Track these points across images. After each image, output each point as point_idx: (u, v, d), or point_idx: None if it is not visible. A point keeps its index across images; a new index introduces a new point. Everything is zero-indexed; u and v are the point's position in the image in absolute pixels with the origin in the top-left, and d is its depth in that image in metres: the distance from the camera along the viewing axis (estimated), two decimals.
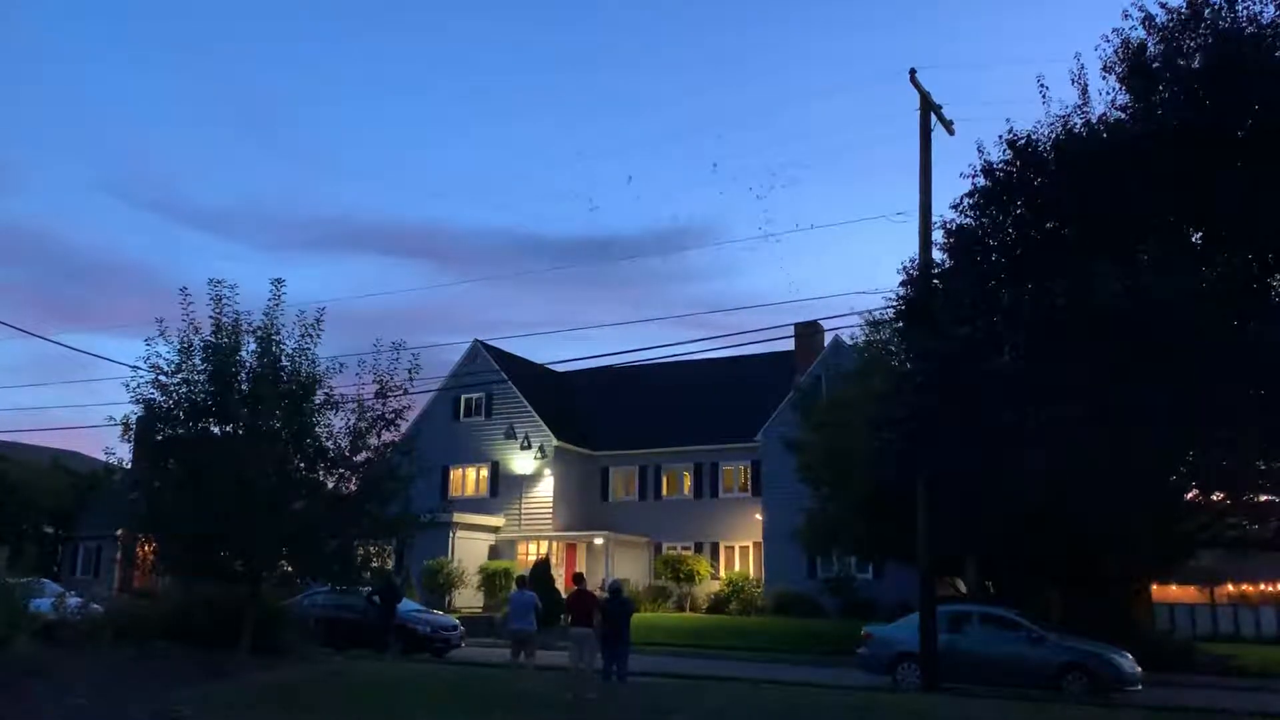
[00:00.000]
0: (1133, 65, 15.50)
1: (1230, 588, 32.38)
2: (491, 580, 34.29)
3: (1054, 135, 15.88)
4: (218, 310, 18.03)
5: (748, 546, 37.15)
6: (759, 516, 35.97)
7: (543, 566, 31.02)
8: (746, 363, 38.44)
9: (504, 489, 38.58)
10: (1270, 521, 20.62)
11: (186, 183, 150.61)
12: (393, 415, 18.96)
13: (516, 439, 38.34)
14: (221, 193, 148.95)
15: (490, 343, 40.50)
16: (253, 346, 18.15)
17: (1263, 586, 32.35)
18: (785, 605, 32.53)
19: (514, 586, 18.60)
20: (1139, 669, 17.54)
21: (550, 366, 43.17)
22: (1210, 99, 14.14)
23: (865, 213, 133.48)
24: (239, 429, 17.72)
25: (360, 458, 18.67)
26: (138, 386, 17.82)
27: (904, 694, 16.84)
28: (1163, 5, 15.22)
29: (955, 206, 17.05)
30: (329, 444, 18.52)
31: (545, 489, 37.96)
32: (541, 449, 38.05)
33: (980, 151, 16.75)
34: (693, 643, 26.57)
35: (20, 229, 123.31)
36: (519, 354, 42.43)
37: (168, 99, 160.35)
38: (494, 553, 37.25)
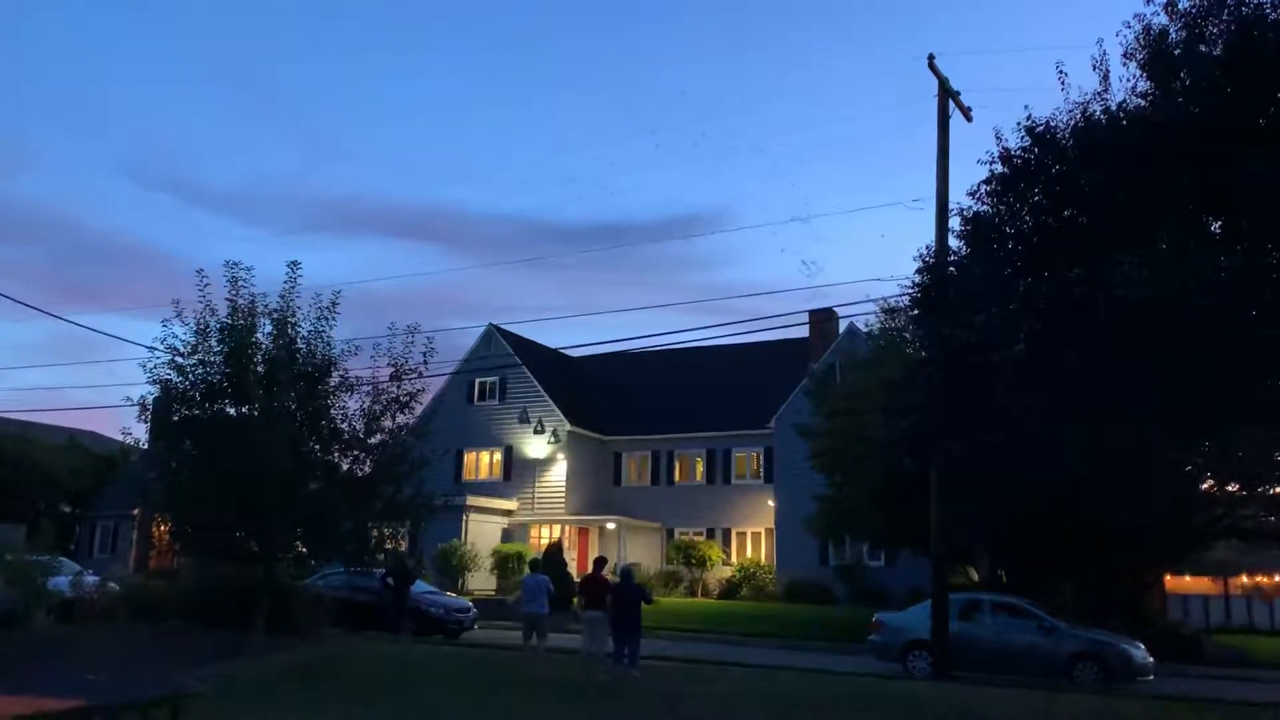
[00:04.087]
0: (1154, 52, 15.33)
1: (1244, 579, 32.26)
2: (504, 563, 34.45)
3: (1073, 122, 15.73)
4: (234, 292, 18.16)
5: (760, 533, 37.20)
6: (771, 503, 36.00)
7: (555, 550, 31.14)
8: (760, 349, 38.41)
9: (517, 473, 38.72)
10: None
11: (201, 165, 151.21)
12: (407, 398, 19.07)
13: (530, 423, 38.47)
14: (236, 175, 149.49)
15: (504, 327, 40.63)
16: (268, 329, 18.27)
17: (1276, 578, 32.21)
18: (797, 592, 32.61)
19: (527, 570, 18.67)
20: (1151, 659, 17.51)
21: (564, 351, 43.27)
22: (1232, 86, 13.99)
23: (882, 199, 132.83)
24: (255, 410, 17.85)
25: (374, 440, 18.78)
26: (154, 367, 18.00)
27: (914, 682, 16.87)
28: None
29: (973, 194, 16.93)
30: (344, 426, 18.65)
31: (558, 473, 38.09)
32: (555, 433, 38.16)
33: (999, 138, 16.63)
34: (704, 628, 26.65)
35: (35, 209, 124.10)
36: (533, 338, 42.54)
37: (181, 80, 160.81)
38: (507, 536, 37.41)
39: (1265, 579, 32.23)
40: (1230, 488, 19.95)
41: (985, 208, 16.85)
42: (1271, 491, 18.88)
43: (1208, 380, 12.88)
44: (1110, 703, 14.32)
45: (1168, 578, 26.91)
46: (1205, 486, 20.40)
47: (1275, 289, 13.63)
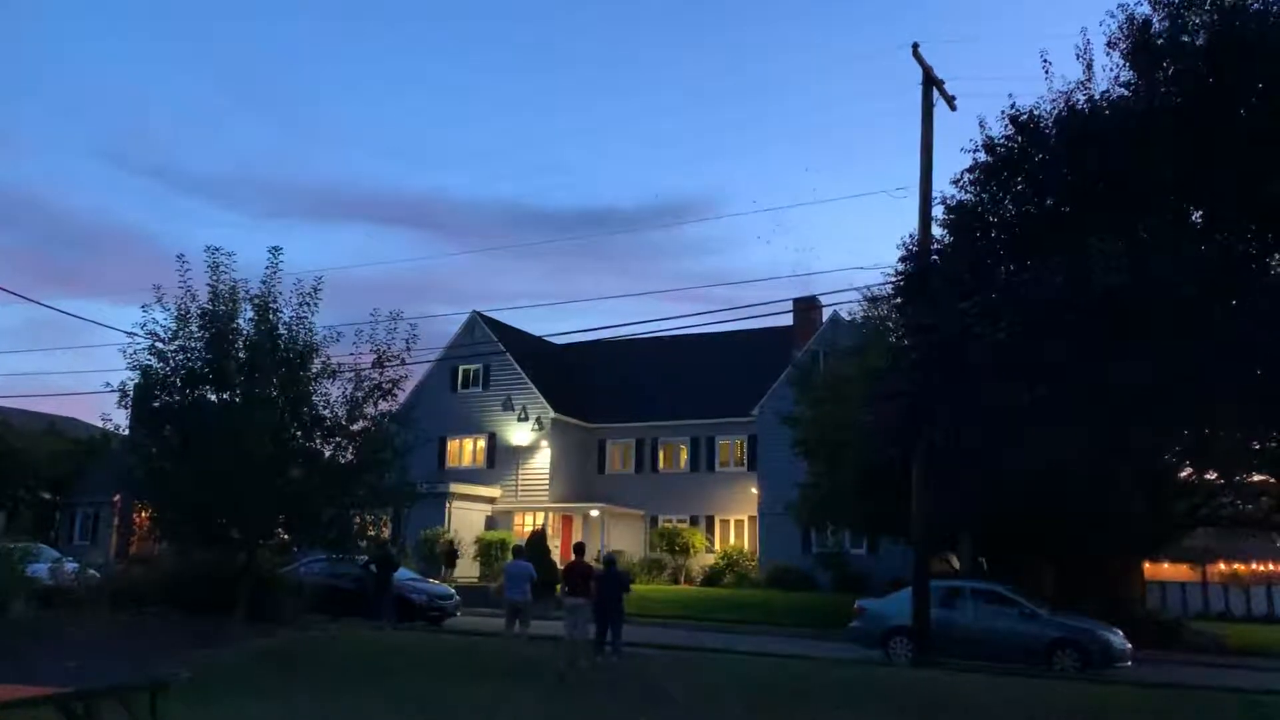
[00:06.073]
0: (1137, 42, 15.39)
1: (1222, 567, 32.61)
2: (488, 550, 34.43)
3: (1056, 111, 15.78)
4: (215, 277, 18.02)
5: (743, 520, 37.31)
6: (754, 491, 36.11)
7: (538, 537, 31.15)
8: (744, 338, 38.46)
9: (501, 460, 38.68)
10: (1262, 501, 20.73)
11: (182, 149, 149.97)
12: (390, 385, 18.99)
13: (514, 410, 38.41)
14: (217, 160, 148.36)
15: (488, 314, 40.54)
16: (250, 314, 18.15)
17: (1254, 566, 32.57)
18: (779, 579, 32.73)
19: (510, 557, 18.66)
20: (1129, 646, 17.67)
21: (548, 339, 43.21)
22: (1214, 76, 14.06)
23: (866, 188, 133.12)
24: (236, 397, 17.74)
25: (357, 427, 18.70)
26: (135, 353, 17.85)
27: (895, 667, 16.97)
28: None
29: (956, 182, 16.97)
30: (326, 413, 18.56)
31: (542, 460, 38.07)
32: (539, 421, 38.12)
33: (982, 126, 16.66)
34: (687, 615, 26.71)
35: (13, 192, 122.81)
36: (517, 326, 42.48)
37: (162, 64, 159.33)
38: (490, 523, 37.39)
39: (1242, 567, 32.59)
40: (1209, 476, 20.14)
41: (968, 196, 16.89)
42: (1249, 480, 19.06)
43: (1187, 367, 12.96)
44: (1088, 689, 14.45)
45: (1146, 565, 27.12)
46: (1184, 475, 20.59)
47: (1253, 278, 13.73)
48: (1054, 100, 15.89)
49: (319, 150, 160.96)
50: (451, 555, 32.82)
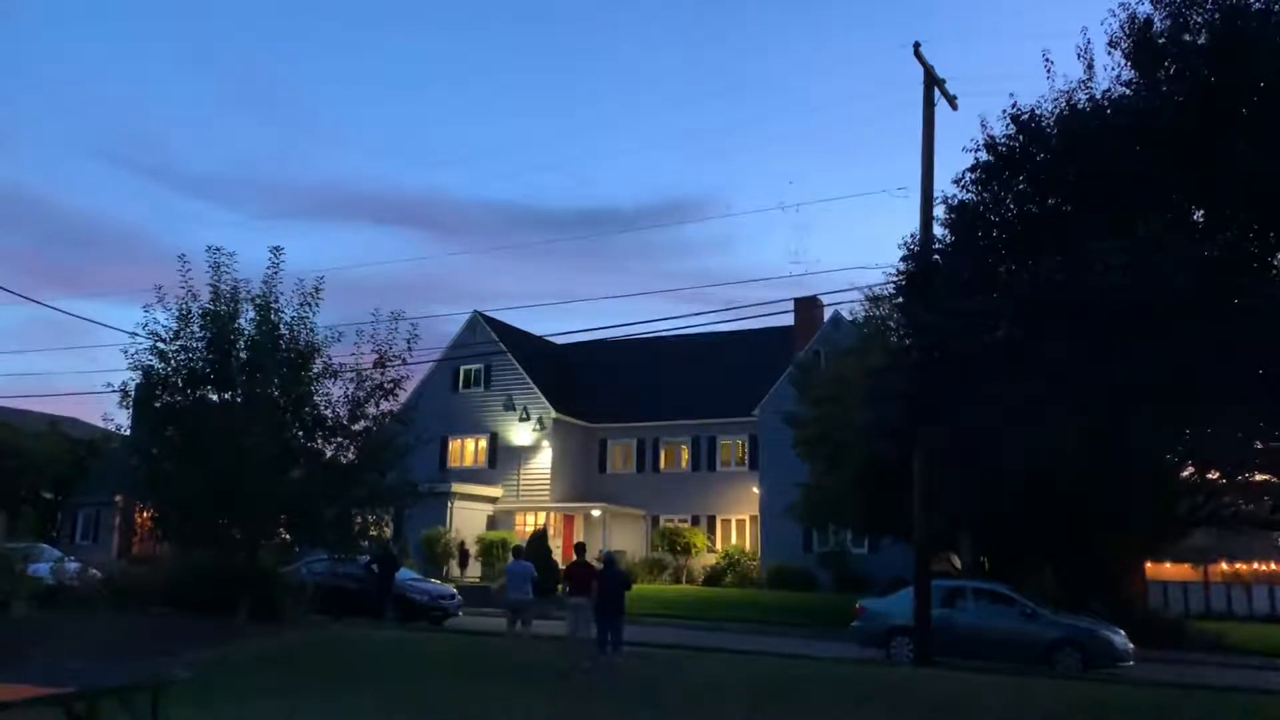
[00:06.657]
0: (1138, 40, 15.35)
1: (1224, 566, 32.58)
2: (489, 550, 34.45)
3: (1058, 110, 15.73)
4: (216, 278, 18.08)
5: (744, 520, 37.31)
6: (756, 490, 36.10)
7: (540, 537, 31.14)
8: (745, 337, 38.50)
9: (502, 460, 38.70)
10: (1264, 500, 20.71)
11: (182, 149, 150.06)
12: (391, 385, 19.04)
13: (515, 410, 38.43)
14: (217, 160, 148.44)
15: (490, 314, 40.56)
16: (251, 314, 18.19)
17: (1255, 565, 32.54)
18: (781, 578, 32.74)
19: (511, 557, 18.68)
20: (1131, 645, 17.66)
21: (549, 338, 43.25)
22: (1216, 76, 14.04)
23: (867, 187, 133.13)
24: (237, 397, 17.79)
25: (358, 427, 18.73)
26: (136, 353, 17.90)
27: (897, 667, 16.96)
28: None
29: (957, 181, 16.91)
30: (327, 412, 18.62)
31: (543, 460, 38.08)
32: (540, 421, 38.14)
33: (983, 125, 16.61)
34: (688, 614, 26.70)
35: (13, 193, 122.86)
36: (518, 325, 42.50)
37: (162, 64, 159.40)
38: (492, 523, 37.41)
39: (1244, 566, 32.56)
40: (1210, 475, 20.10)
41: (969, 195, 16.84)
42: (1251, 479, 19.02)
43: (1187, 367, 12.95)
44: (1089, 689, 14.44)
45: (1148, 564, 27.10)
46: (1185, 475, 20.56)
47: (1255, 276, 13.72)
48: (1055, 99, 15.85)
49: (319, 150, 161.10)
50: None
